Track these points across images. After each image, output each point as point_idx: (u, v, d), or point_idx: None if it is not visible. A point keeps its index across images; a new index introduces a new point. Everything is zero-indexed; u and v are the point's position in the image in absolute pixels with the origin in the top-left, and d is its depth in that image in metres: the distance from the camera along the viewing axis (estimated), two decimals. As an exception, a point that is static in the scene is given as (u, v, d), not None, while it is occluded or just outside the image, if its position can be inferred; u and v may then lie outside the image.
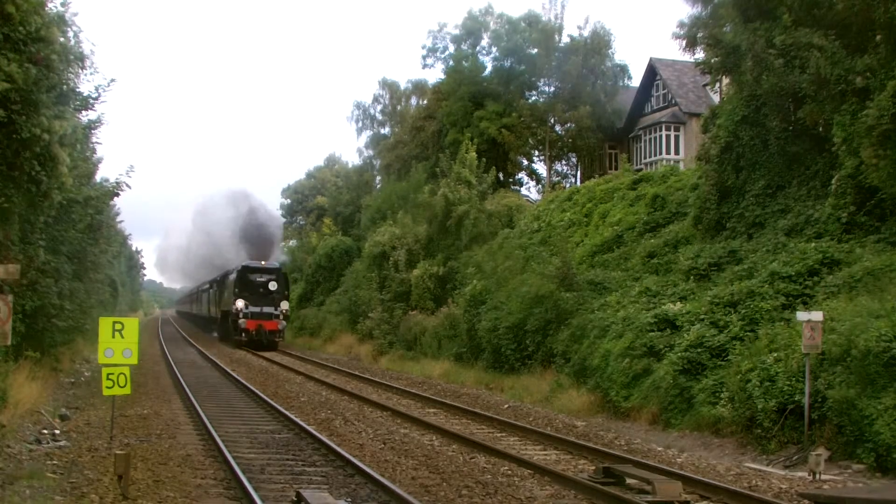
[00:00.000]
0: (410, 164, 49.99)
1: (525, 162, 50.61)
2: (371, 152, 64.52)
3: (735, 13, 21.81)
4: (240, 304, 42.68)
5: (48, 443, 14.30)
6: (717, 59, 23.52)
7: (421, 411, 19.71)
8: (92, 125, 22.12)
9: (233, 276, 45.59)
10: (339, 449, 13.62)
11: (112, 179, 25.53)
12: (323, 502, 9.78)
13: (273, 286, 43.65)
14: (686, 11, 27.47)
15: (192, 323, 79.27)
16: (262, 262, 45.56)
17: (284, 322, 44.07)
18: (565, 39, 47.78)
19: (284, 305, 43.87)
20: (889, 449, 12.23)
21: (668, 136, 41.84)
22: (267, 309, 43.01)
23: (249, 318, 42.46)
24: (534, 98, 49.18)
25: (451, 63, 50.84)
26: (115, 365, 14.02)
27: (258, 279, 43.70)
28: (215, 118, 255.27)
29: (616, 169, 42.19)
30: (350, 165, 71.23)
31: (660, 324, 19.18)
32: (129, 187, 24.32)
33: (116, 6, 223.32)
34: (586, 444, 14.91)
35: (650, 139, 42.90)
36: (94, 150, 25.15)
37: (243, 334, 42.27)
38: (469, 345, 28.54)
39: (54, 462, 12.59)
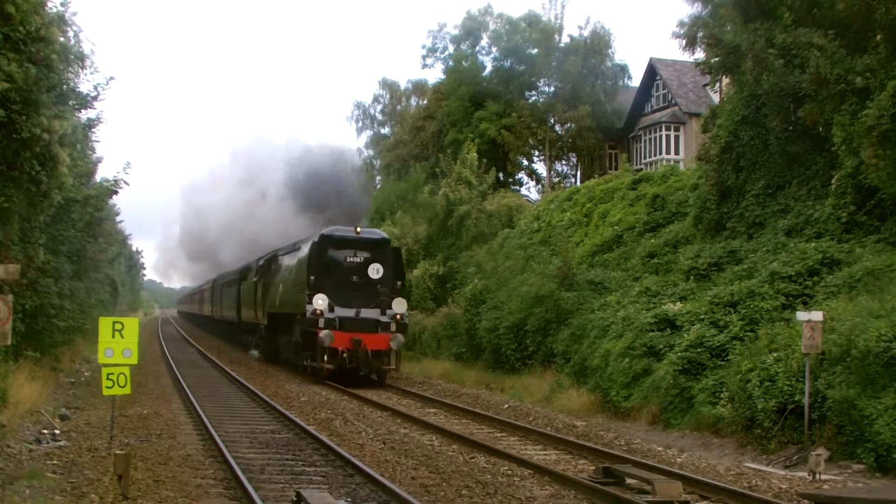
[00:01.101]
0: (410, 164, 49.99)
1: (525, 162, 50.65)
2: (371, 152, 64.57)
3: (735, 13, 21.82)
4: (320, 302, 24.46)
5: (48, 443, 14.28)
6: (717, 58, 23.53)
7: (421, 411, 19.70)
8: (91, 124, 22.13)
9: (302, 255, 27.09)
10: (339, 449, 13.60)
11: (111, 178, 25.57)
12: (323, 502, 9.78)
13: (377, 271, 25.42)
14: (686, 11, 27.58)
15: (203, 329, 60.06)
16: (357, 230, 26.46)
17: (401, 337, 25.13)
18: (565, 39, 47.87)
19: (400, 307, 25.17)
20: (889, 449, 12.23)
21: (668, 136, 41.84)
22: (369, 313, 24.93)
23: (337, 328, 24.41)
24: (534, 98, 49.20)
25: (450, 63, 50.86)
26: (115, 365, 14.01)
27: (350, 260, 25.62)
28: (216, 118, 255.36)
29: (616, 169, 42.22)
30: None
31: (660, 324, 19.18)
32: (128, 184, 24.39)
33: (116, 6, 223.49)
34: (586, 444, 14.90)
35: (650, 139, 42.89)
36: (93, 150, 25.19)
37: (327, 357, 24.34)
38: (469, 344, 28.57)
39: (54, 462, 12.57)
